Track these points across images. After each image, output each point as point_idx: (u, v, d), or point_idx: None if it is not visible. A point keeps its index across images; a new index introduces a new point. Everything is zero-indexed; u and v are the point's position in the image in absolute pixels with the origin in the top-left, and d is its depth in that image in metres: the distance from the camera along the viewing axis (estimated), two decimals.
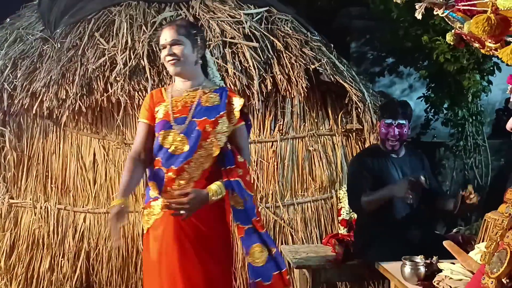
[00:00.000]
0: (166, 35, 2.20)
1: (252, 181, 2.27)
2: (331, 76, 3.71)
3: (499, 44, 1.19)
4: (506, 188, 4.87)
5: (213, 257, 2.21)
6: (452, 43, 1.37)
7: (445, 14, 1.22)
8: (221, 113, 2.21)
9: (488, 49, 1.24)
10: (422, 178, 2.71)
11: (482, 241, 2.35)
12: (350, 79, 3.81)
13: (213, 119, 2.19)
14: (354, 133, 3.90)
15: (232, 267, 2.34)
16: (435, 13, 1.23)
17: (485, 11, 1.13)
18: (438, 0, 1.19)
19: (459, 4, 1.18)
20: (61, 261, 3.67)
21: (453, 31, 1.30)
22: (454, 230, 3.50)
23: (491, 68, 4.76)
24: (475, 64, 4.59)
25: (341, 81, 3.72)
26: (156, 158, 2.22)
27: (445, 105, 4.97)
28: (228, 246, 2.34)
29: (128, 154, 2.30)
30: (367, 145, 3.84)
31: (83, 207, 3.73)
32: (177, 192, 2.14)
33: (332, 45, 4.15)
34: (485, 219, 2.41)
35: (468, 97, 4.70)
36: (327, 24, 5.75)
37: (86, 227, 3.70)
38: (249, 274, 2.31)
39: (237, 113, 2.23)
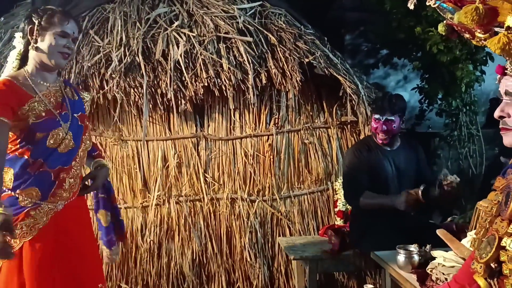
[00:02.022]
0: (74, 28, 2.06)
1: None
2: (325, 69, 3.74)
3: (488, 34, 1.22)
4: None
5: (91, 250, 2.24)
6: (444, 34, 1.39)
7: (436, 4, 1.25)
8: (84, 106, 2.22)
9: (478, 40, 1.27)
10: (421, 190, 2.73)
11: (474, 229, 2.40)
12: (344, 71, 3.84)
13: (86, 113, 2.21)
14: (349, 125, 3.94)
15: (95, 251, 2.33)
16: (427, 3, 1.26)
17: (474, 1, 1.17)
18: None
19: None
20: None
21: (444, 21, 1.32)
22: (449, 219, 3.55)
23: (484, 58, 4.80)
24: (468, 55, 4.64)
25: (335, 74, 3.74)
26: (34, 161, 1.99)
27: (439, 96, 5.01)
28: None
29: None
30: (362, 137, 3.87)
31: None
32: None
33: (326, 38, 4.17)
34: (476, 207, 2.46)
35: (461, 87, 4.74)
36: (321, 17, 5.78)
37: None
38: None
39: (88, 107, 2.27)
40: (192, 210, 3.70)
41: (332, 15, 6.62)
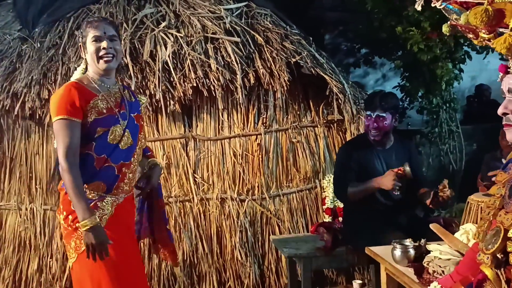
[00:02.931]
0: (106, 28, 2.15)
1: None
2: (311, 69, 3.78)
3: (492, 35, 1.27)
4: (480, 172, 5.05)
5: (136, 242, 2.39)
6: (448, 34, 1.44)
7: (442, 6, 1.29)
8: (140, 108, 2.35)
9: (482, 40, 1.32)
10: (407, 168, 2.78)
11: (467, 222, 2.47)
12: (330, 71, 3.89)
13: (141, 114, 2.34)
14: (335, 124, 3.99)
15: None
16: (432, 5, 1.30)
17: (481, 3, 1.21)
18: None
19: None
20: (50, 261, 3.65)
21: (449, 22, 1.37)
22: (435, 214, 3.64)
23: (462, 56, 4.94)
24: (448, 53, 4.75)
25: (321, 73, 3.79)
26: (99, 156, 2.13)
27: (420, 94, 5.12)
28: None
29: (67, 159, 2.03)
30: (348, 135, 3.93)
31: None
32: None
33: (311, 38, 4.22)
34: (468, 202, 2.52)
35: (441, 85, 4.86)
36: (300, 17, 5.83)
37: None
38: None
39: (143, 109, 2.47)
40: (182, 210, 3.70)
41: (312, 14, 6.68)
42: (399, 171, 2.82)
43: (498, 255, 1.38)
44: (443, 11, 1.36)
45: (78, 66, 3.45)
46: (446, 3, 1.32)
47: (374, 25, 5.02)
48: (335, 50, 6.93)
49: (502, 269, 1.38)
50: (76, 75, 2.24)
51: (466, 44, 4.87)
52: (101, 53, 2.13)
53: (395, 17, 4.82)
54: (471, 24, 1.29)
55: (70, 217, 2.10)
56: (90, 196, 2.11)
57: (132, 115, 2.24)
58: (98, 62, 2.14)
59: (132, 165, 2.24)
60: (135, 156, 2.26)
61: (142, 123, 2.32)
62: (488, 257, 1.39)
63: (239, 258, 3.70)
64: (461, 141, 5.15)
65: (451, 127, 5.09)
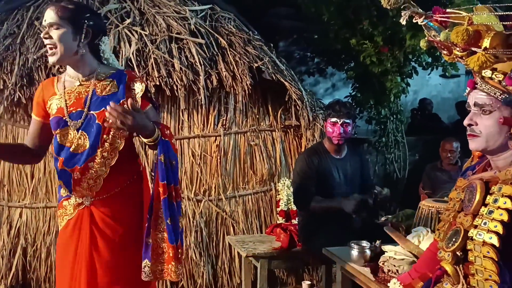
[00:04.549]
0: (46, 16, 1.87)
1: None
2: (272, 75, 3.88)
3: (465, 53, 1.41)
4: (421, 180, 5.34)
5: (124, 248, 2.01)
6: (425, 48, 1.56)
7: (424, 22, 1.41)
8: (121, 101, 1.90)
9: (454, 56, 1.46)
10: (370, 201, 2.98)
11: (418, 226, 2.65)
12: (289, 78, 4.01)
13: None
14: (292, 129, 4.12)
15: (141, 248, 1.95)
16: (414, 21, 1.43)
17: (459, 23, 1.35)
18: (419, 11, 1.39)
19: (437, 15, 1.39)
20: None
21: (426, 38, 1.50)
22: (383, 219, 3.82)
23: (410, 71, 5.24)
24: (397, 67, 5.03)
25: (282, 79, 3.90)
26: (59, 158, 1.96)
27: (369, 104, 5.37)
28: (140, 229, 2.03)
29: None
30: (303, 140, 4.07)
31: (19, 202, 3.59)
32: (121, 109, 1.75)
33: (272, 45, 4.32)
34: (420, 206, 2.71)
35: (390, 97, 5.13)
36: (255, 23, 5.93)
37: (22, 222, 3.57)
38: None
39: (139, 99, 1.94)
40: None
41: (267, 21, 6.81)
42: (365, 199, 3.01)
43: (457, 253, 1.52)
44: (424, 28, 1.48)
45: (38, 57, 3.44)
46: (428, 20, 1.45)
47: (329, 36, 5.21)
48: (288, 58, 7.07)
49: (460, 266, 1.52)
50: None
51: (413, 60, 5.18)
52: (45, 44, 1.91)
53: (349, 30, 5.04)
54: (447, 41, 1.42)
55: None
56: (61, 193, 2.05)
57: (93, 112, 1.92)
58: None
59: (90, 171, 1.93)
60: (96, 160, 1.92)
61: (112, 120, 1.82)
62: (449, 254, 1.53)
63: (194, 257, 3.73)
64: (406, 151, 5.46)
65: (397, 137, 5.37)
